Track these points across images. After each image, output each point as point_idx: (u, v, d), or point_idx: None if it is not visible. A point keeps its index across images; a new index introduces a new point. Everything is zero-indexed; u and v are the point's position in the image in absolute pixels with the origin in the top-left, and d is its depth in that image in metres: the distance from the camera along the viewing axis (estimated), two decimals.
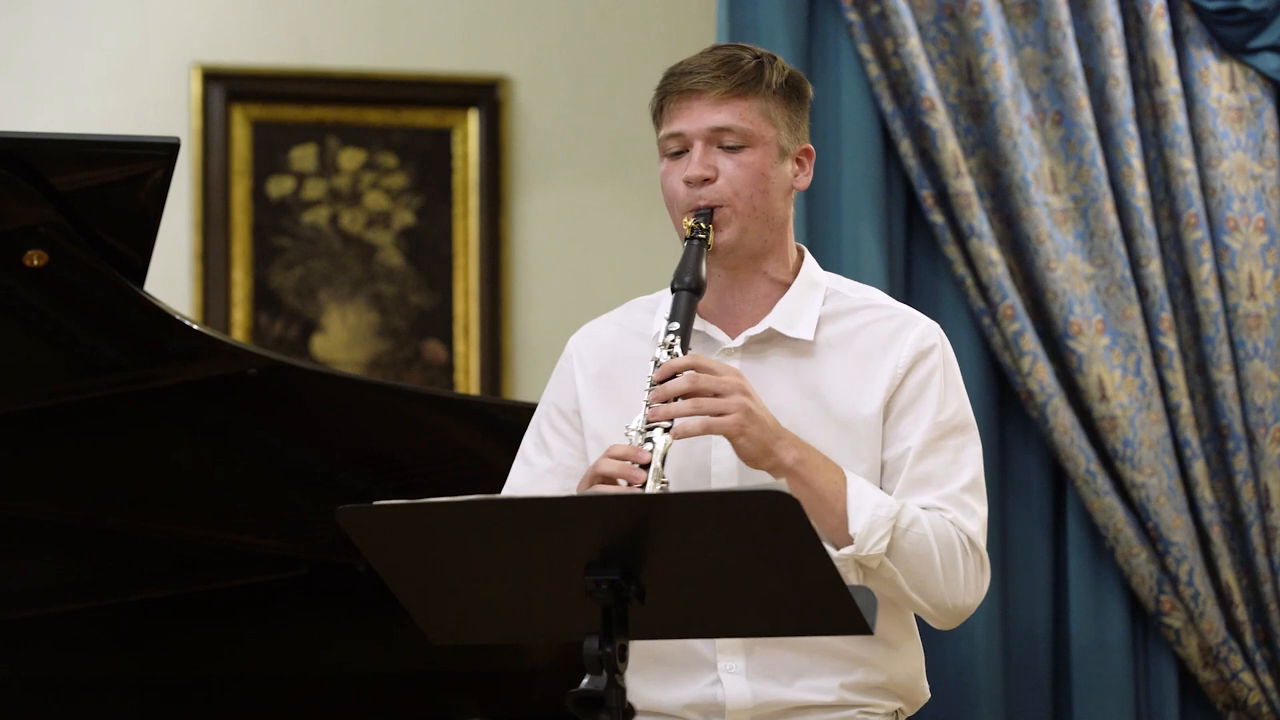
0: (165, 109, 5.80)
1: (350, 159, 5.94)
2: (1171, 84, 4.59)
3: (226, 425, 3.73)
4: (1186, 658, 4.57)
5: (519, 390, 5.92)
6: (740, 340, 3.09)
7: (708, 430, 2.93)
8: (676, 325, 2.98)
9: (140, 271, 3.42)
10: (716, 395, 2.93)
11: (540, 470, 3.17)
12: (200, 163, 5.83)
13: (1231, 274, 4.60)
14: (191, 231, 5.83)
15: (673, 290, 3.02)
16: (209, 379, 3.61)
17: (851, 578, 3.01)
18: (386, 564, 2.73)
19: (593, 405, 3.15)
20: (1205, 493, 4.56)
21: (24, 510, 3.70)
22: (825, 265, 4.66)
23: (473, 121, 5.96)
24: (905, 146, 4.61)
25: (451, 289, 5.96)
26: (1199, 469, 4.56)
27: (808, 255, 3.17)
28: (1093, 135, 4.56)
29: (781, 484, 2.60)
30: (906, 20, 4.56)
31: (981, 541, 3.04)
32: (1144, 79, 4.63)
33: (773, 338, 3.08)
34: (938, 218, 4.60)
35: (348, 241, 5.93)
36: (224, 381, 3.61)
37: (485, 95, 5.96)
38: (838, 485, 2.98)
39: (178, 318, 3.51)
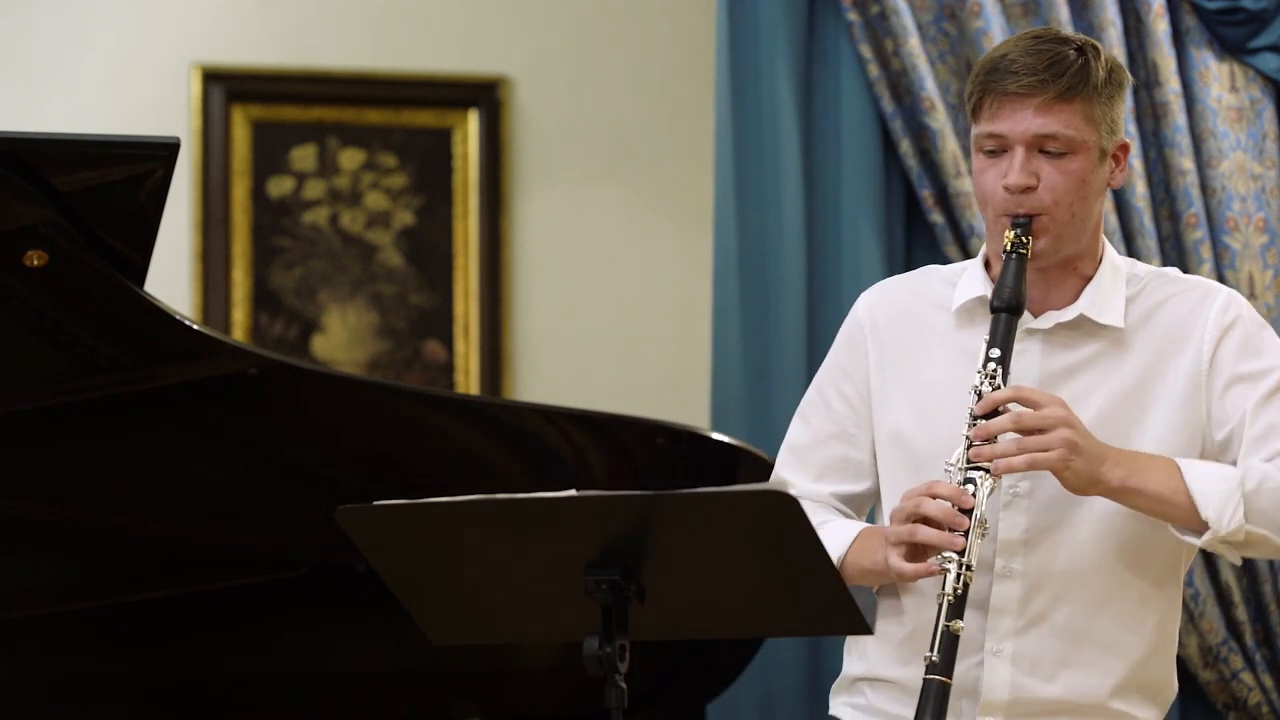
0: (165, 109, 5.79)
1: (350, 159, 5.94)
2: (1171, 84, 4.59)
3: (226, 425, 3.73)
4: (1186, 658, 4.57)
5: (519, 390, 5.92)
6: (1048, 323, 3.02)
7: (1031, 467, 2.88)
8: (997, 353, 2.93)
9: (140, 271, 3.42)
10: (1040, 431, 2.88)
11: (822, 434, 3.11)
12: (200, 163, 5.83)
13: (1231, 274, 4.60)
14: (191, 231, 5.83)
15: (992, 310, 2.95)
16: (209, 379, 3.61)
17: (1231, 556, 2.99)
18: (386, 564, 2.73)
19: (882, 371, 3.09)
20: None
21: (24, 510, 3.70)
22: (825, 265, 4.70)
23: (473, 121, 5.96)
24: (905, 147, 4.61)
25: (451, 289, 5.95)
26: None
27: (1106, 241, 3.10)
28: None
29: (782, 484, 2.60)
30: (906, 20, 4.56)
31: None
32: (1144, 79, 4.63)
33: (1081, 323, 3.03)
34: (938, 218, 4.60)
35: (348, 241, 5.93)
36: (224, 381, 3.61)
37: (485, 95, 5.96)
38: (1174, 480, 2.94)
39: (178, 318, 3.51)
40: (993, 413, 2.90)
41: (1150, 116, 4.63)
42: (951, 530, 2.86)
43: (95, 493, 3.73)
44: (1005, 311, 2.94)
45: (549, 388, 5.84)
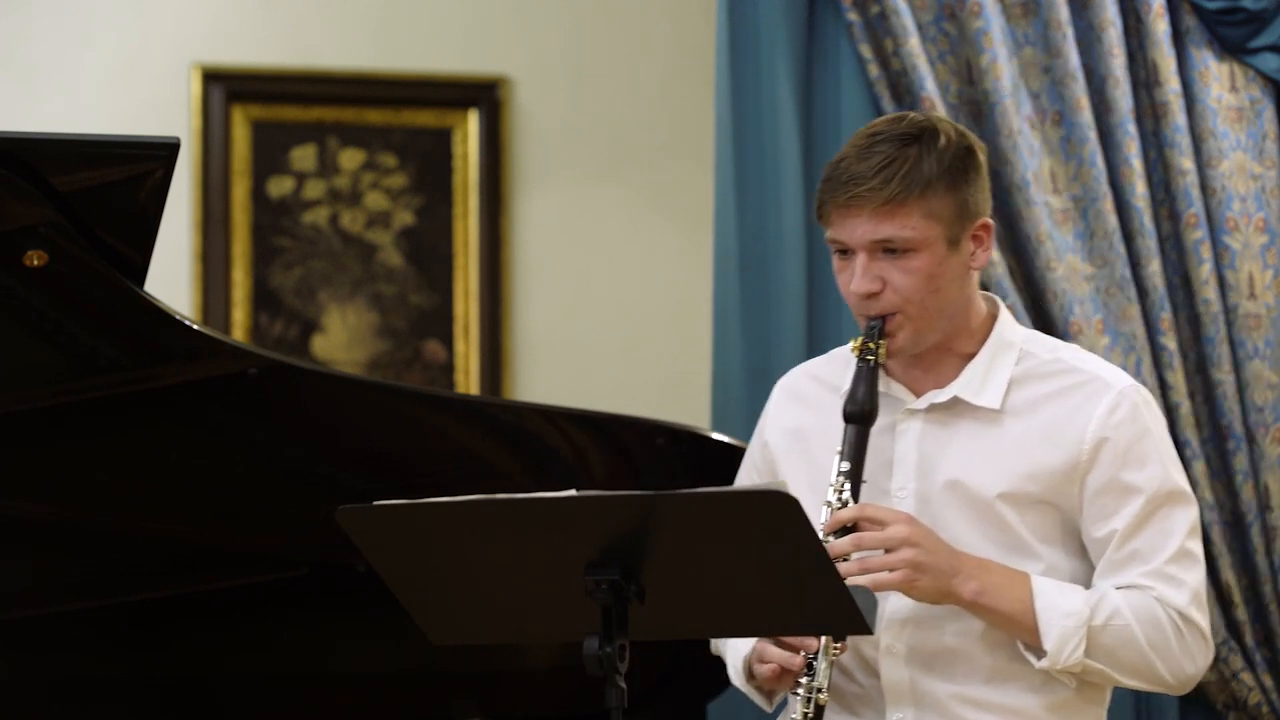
0: (165, 109, 5.79)
1: (350, 159, 5.94)
2: (1171, 84, 4.59)
3: (226, 425, 3.73)
4: None
5: (519, 390, 5.92)
6: (924, 403, 3.02)
7: (876, 588, 2.88)
8: (847, 466, 2.94)
9: (140, 271, 3.41)
10: (885, 550, 2.89)
11: None
12: (200, 163, 5.83)
13: (1231, 274, 4.60)
14: (191, 231, 5.83)
15: (845, 419, 2.95)
16: (209, 379, 3.61)
17: (1066, 680, 2.98)
18: (386, 564, 2.73)
19: (785, 462, 3.13)
20: (1205, 493, 4.56)
21: (24, 510, 3.70)
22: (825, 265, 4.69)
23: (473, 121, 5.96)
24: None
25: (451, 289, 5.95)
26: (1199, 469, 4.56)
27: (1002, 313, 3.07)
28: (1093, 135, 4.56)
29: (782, 484, 2.60)
30: (906, 20, 4.56)
31: (1194, 612, 2.97)
32: (1144, 79, 4.63)
33: (957, 405, 3.01)
34: None
35: (348, 241, 5.93)
36: (224, 381, 3.61)
37: (485, 95, 5.96)
38: (1024, 603, 2.94)
39: (178, 318, 3.51)
40: (842, 529, 2.91)
41: (1150, 116, 4.63)
42: (802, 652, 2.91)
43: (95, 493, 3.73)
44: (857, 421, 2.94)
45: (549, 388, 5.84)
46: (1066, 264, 4.56)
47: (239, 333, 5.81)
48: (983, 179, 3.01)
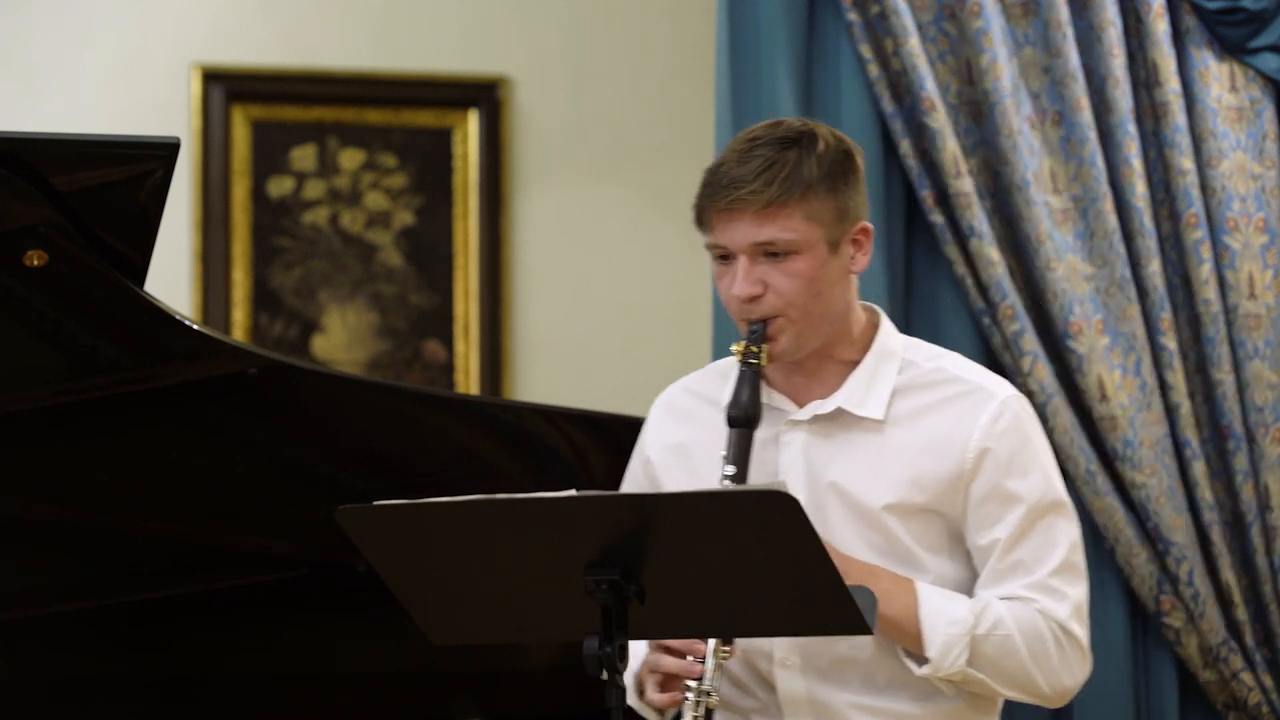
0: (165, 109, 5.80)
1: (350, 159, 5.94)
2: (1171, 84, 4.59)
3: (226, 425, 3.73)
4: (1186, 658, 4.57)
5: (519, 390, 5.92)
6: (807, 414, 3.02)
7: None
8: (732, 470, 2.93)
9: (140, 271, 3.41)
10: None
11: None
12: (200, 163, 5.83)
13: (1231, 274, 4.60)
14: (191, 231, 5.83)
15: (728, 423, 2.95)
16: (209, 379, 3.61)
17: (945, 689, 2.99)
18: (386, 564, 2.73)
19: (668, 476, 3.12)
20: (1205, 493, 4.56)
21: (24, 510, 3.70)
22: None
23: (473, 121, 5.96)
24: (905, 147, 4.61)
25: (451, 289, 5.96)
26: (1199, 469, 4.56)
27: (884, 322, 3.08)
28: (1093, 135, 4.56)
29: (782, 484, 2.60)
30: (906, 20, 4.56)
31: (1076, 624, 2.98)
32: (1144, 79, 4.63)
33: (841, 415, 3.01)
34: (938, 218, 4.60)
35: (348, 241, 5.93)
36: (224, 381, 3.61)
37: (485, 95, 5.96)
38: (909, 609, 2.94)
39: (178, 318, 3.51)
40: None
41: (1150, 116, 4.63)
42: (692, 657, 2.90)
43: (95, 493, 3.73)
44: (741, 425, 2.94)
45: (549, 388, 5.84)
46: (1066, 264, 4.55)
47: (239, 333, 5.81)
48: (861, 183, 3.01)
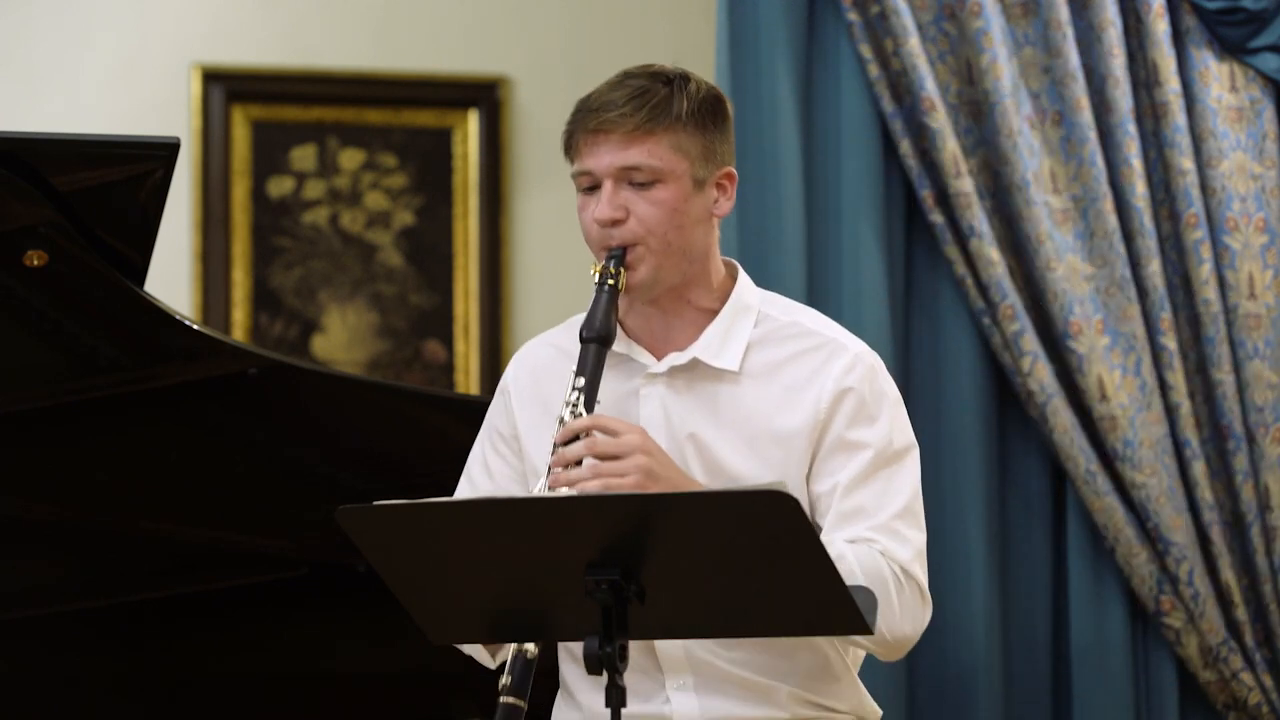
0: (165, 109, 5.80)
1: (350, 159, 5.94)
2: (1171, 84, 4.59)
3: (226, 425, 3.73)
4: (1186, 658, 4.57)
5: None
6: (664, 366, 3.03)
7: (607, 490, 2.85)
8: (582, 382, 2.94)
9: (140, 271, 3.41)
10: (615, 458, 2.88)
11: (481, 490, 3.13)
12: (200, 163, 5.83)
13: (1231, 274, 4.60)
14: (191, 231, 5.83)
15: (581, 340, 2.97)
16: (209, 379, 3.61)
17: None
18: (386, 564, 2.73)
19: (527, 428, 3.11)
20: (1205, 493, 4.56)
21: (24, 510, 3.70)
22: (825, 266, 4.69)
23: (473, 121, 5.96)
24: (905, 147, 4.61)
25: (451, 289, 5.96)
26: (1199, 469, 4.56)
27: (741, 276, 3.09)
28: (1093, 135, 4.56)
29: (781, 484, 2.61)
30: (906, 20, 4.56)
31: (917, 568, 2.96)
32: (1144, 79, 4.63)
33: (697, 366, 3.02)
34: (938, 218, 4.60)
35: (348, 241, 5.93)
36: (224, 381, 3.61)
37: (485, 95, 5.96)
38: None
39: (178, 318, 3.51)
40: (573, 439, 2.90)
41: (1150, 116, 4.63)
42: None
43: (95, 493, 3.73)
44: (594, 342, 2.95)
45: None
46: (1066, 264, 4.56)
47: (239, 333, 5.81)
48: (730, 132, 3.05)
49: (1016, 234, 4.60)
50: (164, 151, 3.29)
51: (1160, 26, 4.58)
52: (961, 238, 4.60)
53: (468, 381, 5.91)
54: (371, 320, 5.94)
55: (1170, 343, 4.56)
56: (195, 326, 3.58)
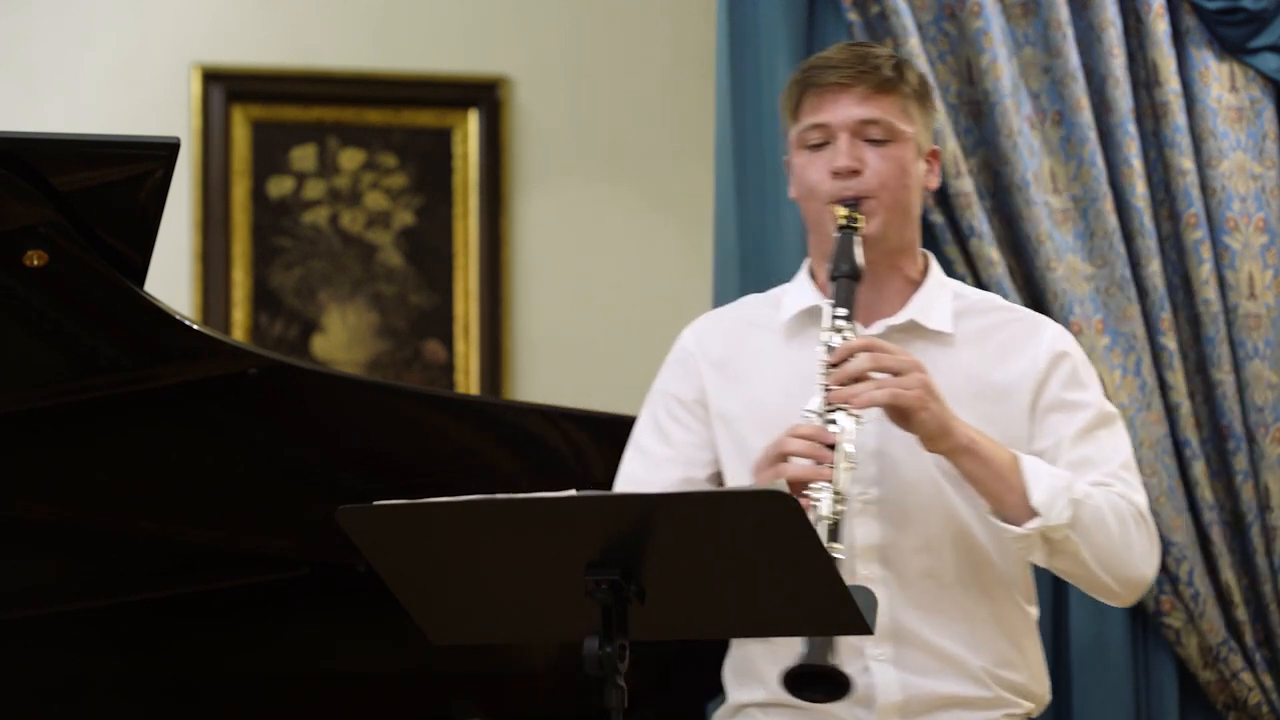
0: (165, 109, 5.80)
1: (350, 159, 5.94)
2: (1171, 84, 4.59)
3: (226, 425, 3.73)
4: (1186, 658, 4.57)
5: (519, 390, 5.92)
6: (879, 328, 3.10)
7: (893, 400, 2.94)
8: (844, 311, 3.01)
9: (140, 271, 3.41)
10: (896, 373, 2.95)
11: (659, 458, 3.19)
12: (200, 163, 5.83)
13: (1231, 274, 4.60)
14: (191, 231, 5.83)
15: (832, 278, 3.03)
16: (209, 379, 3.61)
17: (1037, 555, 3.03)
18: (386, 564, 2.73)
19: (719, 392, 3.18)
20: (1205, 493, 4.56)
21: (24, 510, 3.70)
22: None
23: (473, 121, 5.96)
24: None
25: (451, 289, 5.96)
26: (1199, 469, 4.56)
27: (932, 256, 3.22)
28: (1093, 135, 4.56)
29: (781, 484, 2.61)
30: (906, 20, 4.56)
31: (1149, 513, 3.08)
32: (1144, 79, 4.63)
33: (912, 329, 3.12)
34: (938, 218, 4.60)
35: (348, 241, 5.93)
36: (224, 381, 3.61)
37: (485, 95, 5.96)
38: (1012, 461, 3.00)
39: (178, 318, 3.51)
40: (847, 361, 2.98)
41: (1150, 116, 4.63)
42: (818, 464, 2.91)
43: (95, 493, 3.73)
44: (846, 277, 3.03)
45: (549, 388, 5.84)
46: (1066, 264, 4.55)
47: (239, 333, 5.81)
48: (936, 117, 3.24)
49: (1016, 234, 4.59)
50: (164, 151, 3.29)
51: (1160, 26, 4.58)
52: (961, 238, 4.59)
53: (468, 381, 5.91)
54: (371, 320, 5.94)
55: (1170, 343, 4.55)
56: (195, 326, 3.58)
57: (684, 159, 5.89)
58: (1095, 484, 3.05)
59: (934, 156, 3.17)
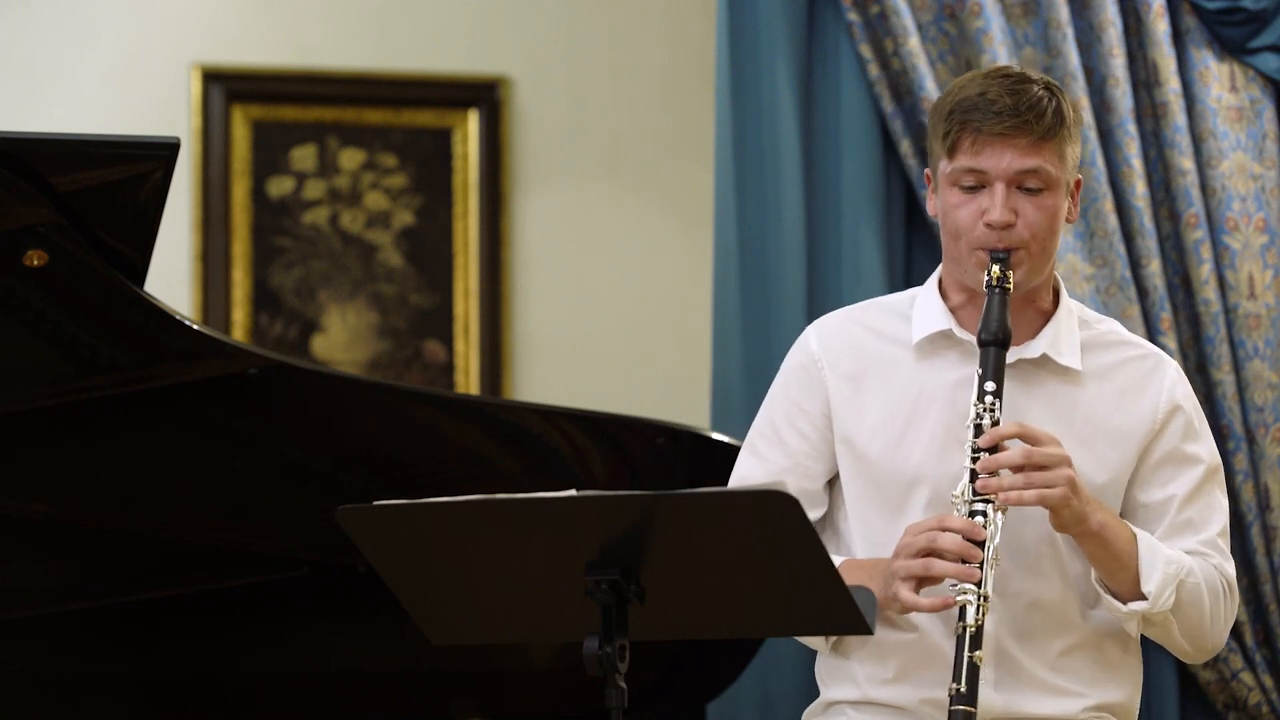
0: (165, 109, 5.79)
1: (350, 159, 5.94)
2: (1171, 84, 4.59)
3: (226, 425, 3.73)
4: None
5: (519, 390, 5.92)
6: (1012, 358, 3.06)
7: (1040, 502, 2.94)
8: (993, 385, 2.98)
9: (140, 271, 3.41)
10: (1044, 469, 2.94)
11: (776, 468, 3.16)
12: (200, 163, 5.83)
13: (1231, 274, 4.60)
14: (191, 231, 5.83)
15: (980, 344, 3.00)
16: (209, 379, 3.61)
17: (1131, 626, 3.07)
18: (386, 564, 2.73)
19: (844, 405, 3.14)
20: None
21: (24, 510, 3.70)
22: (825, 265, 4.69)
23: (473, 121, 5.96)
24: (905, 146, 4.61)
25: (451, 289, 5.95)
26: None
27: (1060, 280, 3.17)
28: (1093, 135, 4.56)
29: (781, 484, 2.60)
30: (906, 20, 4.56)
31: (1235, 582, 3.11)
32: (1144, 79, 4.63)
33: (1044, 363, 3.09)
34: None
35: (348, 241, 5.93)
36: (224, 381, 3.61)
37: (485, 95, 5.96)
38: (1131, 545, 3.02)
39: (178, 318, 3.51)
40: (994, 447, 2.96)
41: (1150, 116, 4.63)
42: (965, 562, 2.91)
43: (95, 493, 3.73)
44: (994, 345, 2.99)
45: (549, 388, 5.83)
46: (1066, 264, 4.56)
47: (239, 333, 5.81)
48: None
49: None
50: (164, 151, 3.29)
51: (1160, 26, 4.58)
52: None
53: (468, 381, 5.91)
54: (371, 320, 5.93)
55: (1170, 343, 4.56)
56: (195, 326, 3.58)
57: (684, 159, 5.89)
58: (1193, 552, 3.07)
59: (1077, 187, 3.11)
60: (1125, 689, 3.14)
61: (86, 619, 3.86)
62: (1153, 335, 4.56)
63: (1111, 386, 3.10)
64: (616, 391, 5.79)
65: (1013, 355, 3.06)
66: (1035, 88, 3.03)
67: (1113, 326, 3.18)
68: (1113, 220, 4.56)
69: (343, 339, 5.92)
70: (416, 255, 5.95)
